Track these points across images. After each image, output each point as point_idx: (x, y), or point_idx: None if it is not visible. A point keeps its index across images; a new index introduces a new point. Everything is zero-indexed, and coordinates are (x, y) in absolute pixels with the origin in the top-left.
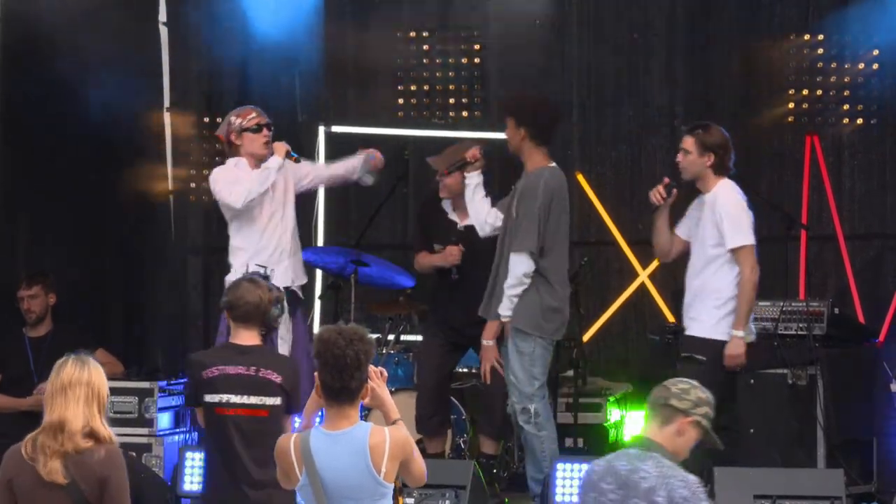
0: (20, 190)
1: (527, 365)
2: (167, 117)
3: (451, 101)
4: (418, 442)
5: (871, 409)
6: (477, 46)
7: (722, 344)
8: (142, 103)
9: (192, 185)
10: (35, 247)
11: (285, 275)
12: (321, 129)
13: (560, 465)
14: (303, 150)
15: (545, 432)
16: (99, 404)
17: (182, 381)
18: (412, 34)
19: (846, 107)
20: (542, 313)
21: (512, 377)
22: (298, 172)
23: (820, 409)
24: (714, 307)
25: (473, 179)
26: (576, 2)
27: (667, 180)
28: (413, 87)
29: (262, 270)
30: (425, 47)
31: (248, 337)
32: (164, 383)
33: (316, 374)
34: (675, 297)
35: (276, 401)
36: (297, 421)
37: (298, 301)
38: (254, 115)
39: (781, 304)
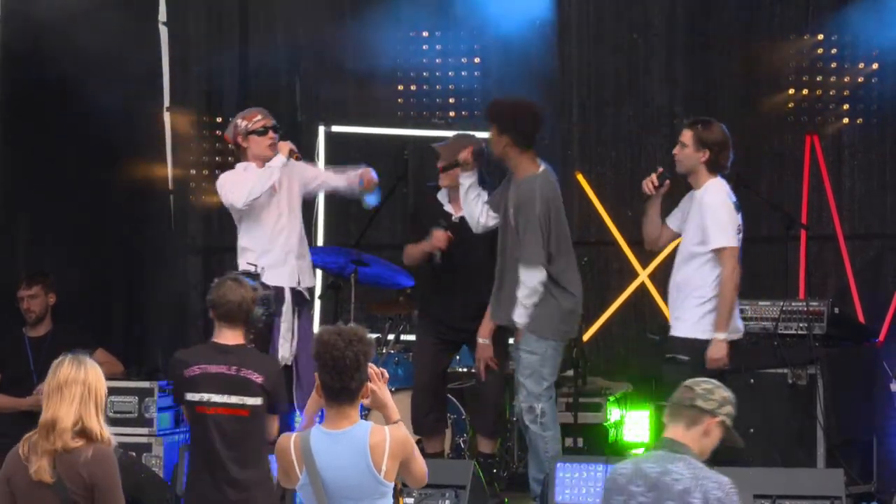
0: (20, 190)
1: (537, 365)
2: (167, 117)
3: (451, 101)
4: (417, 443)
5: (871, 408)
6: (477, 46)
7: (704, 343)
8: (142, 103)
9: (192, 184)
10: (35, 247)
11: (291, 276)
12: (321, 129)
13: (560, 466)
14: (303, 150)
15: (550, 433)
16: (96, 403)
17: None
18: (412, 34)
19: (846, 107)
20: (560, 317)
21: (521, 376)
22: (305, 175)
23: (820, 408)
24: (695, 305)
25: (466, 181)
26: (576, 2)
27: (660, 170)
28: (413, 87)
29: (252, 269)
30: (425, 47)
31: (230, 336)
32: (164, 383)
33: (316, 374)
34: None
35: (257, 401)
36: (297, 419)
37: (304, 301)
38: (259, 117)
39: (781, 303)
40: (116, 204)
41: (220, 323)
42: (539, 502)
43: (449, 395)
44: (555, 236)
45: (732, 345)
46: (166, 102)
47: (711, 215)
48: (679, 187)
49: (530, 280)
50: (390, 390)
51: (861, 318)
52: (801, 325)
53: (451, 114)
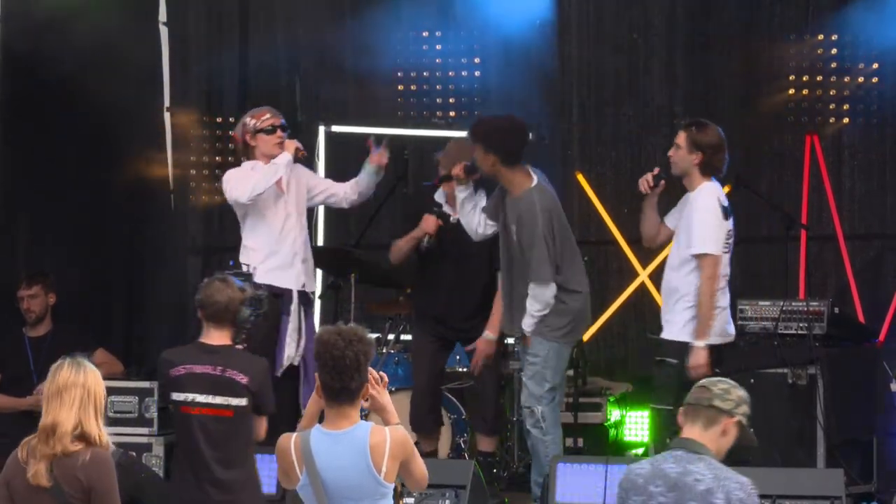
0: (20, 190)
1: (539, 367)
2: (167, 117)
3: (451, 101)
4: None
5: (871, 408)
6: (477, 46)
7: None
8: (142, 103)
9: (193, 184)
10: (35, 247)
11: (298, 278)
12: (321, 129)
13: (561, 466)
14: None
15: (550, 436)
16: (95, 407)
17: None
18: (412, 34)
19: (846, 107)
20: (569, 321)
21: (524, 376)
22: (311, 183)
23: (820, 408)
24: (683, 309)
25: (462, 193)
26: (576, 2)
27: (656, 170)
28: (413, 87)
29: (244, 269)
30: (425, 47)
31: (217, 336)
32: None
33: (316, 374)
34: None
35: (242, 402)
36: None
37: (310, 302)
38: (268, 115)
39: (781, 303)
40: (116, 204)
41: (207, 323)
42: (539, 503)
43: (449, 395)
44: (560, 246)
45: (726, 347)
46: (166, 102)
47: (698, 219)
48: (679, 186)
49: (542, 296)
50: (390, 390)
51: (861, 319)
52: (801, 325)
53: (451, 114)
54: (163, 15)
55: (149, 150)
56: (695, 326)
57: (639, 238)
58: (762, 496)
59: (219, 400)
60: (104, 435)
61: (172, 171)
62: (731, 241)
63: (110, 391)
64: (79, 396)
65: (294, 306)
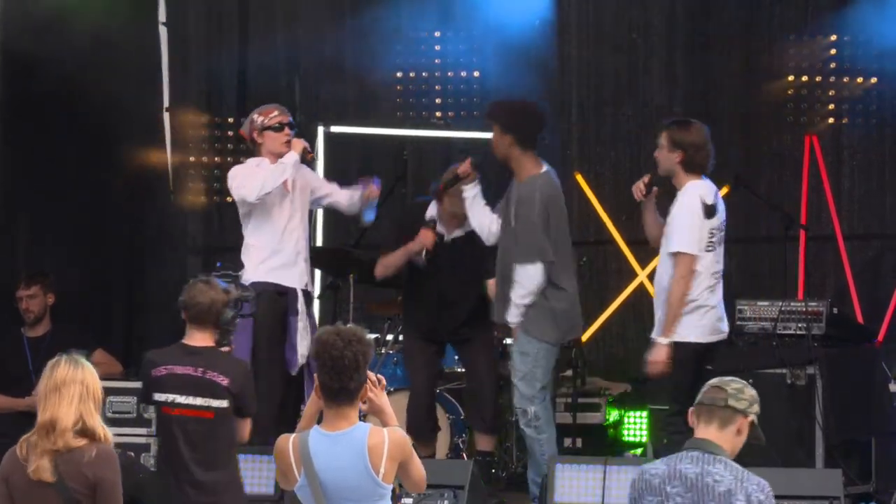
0: (20, 190)
1: (529, 366)
2: (167, 117)
3: (451, 101)
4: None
5: (870, 409)
6: (477, 46)
7: (681, 346)
8: (141, 103)
9: (192, 184)
10: (35, 247)
11: (301, 277)
12: (321, 129)
13: (559, 466)
14: None
15: (545, 435)
16: (94, 402)
17: None
18: (412, 34)
19: (846, 107)
20: (552, 318)
21: (514, 378)
22: (315, 184)
23: (818, 408)
24: None
25: (470, 192)
26: (575, 2)
27: (647, 177)
28: (413, 87)
29: (231, 271)
30: (425, 47)
31: (200, 338)
32: None
33: (315, 375)
34: None
35: (223, 403)
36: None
37: (311, 302)
38: (276, 113)
39: (780, 303)
40: (116, 204)
41: (190, 324)
42: (538, 503)
43: (447, 396)
44: (552, 236)
45: (719, 344)
46: (166, 102)
47: (678, 217)
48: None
49: (527, 279)
50: (388, 391)
51: (860, 319)
52: (799, 325)
53: (451, 114)
54: (163, 15)
55: (149, 150)
56: (686, 323)
57: (638, 238)
58: None
59: (199, 401)
60: (106, 430)
61: (172, 171)
62: (715, 239)
63: (109, 392)
64: (77, 392)
65: (301, 305)
